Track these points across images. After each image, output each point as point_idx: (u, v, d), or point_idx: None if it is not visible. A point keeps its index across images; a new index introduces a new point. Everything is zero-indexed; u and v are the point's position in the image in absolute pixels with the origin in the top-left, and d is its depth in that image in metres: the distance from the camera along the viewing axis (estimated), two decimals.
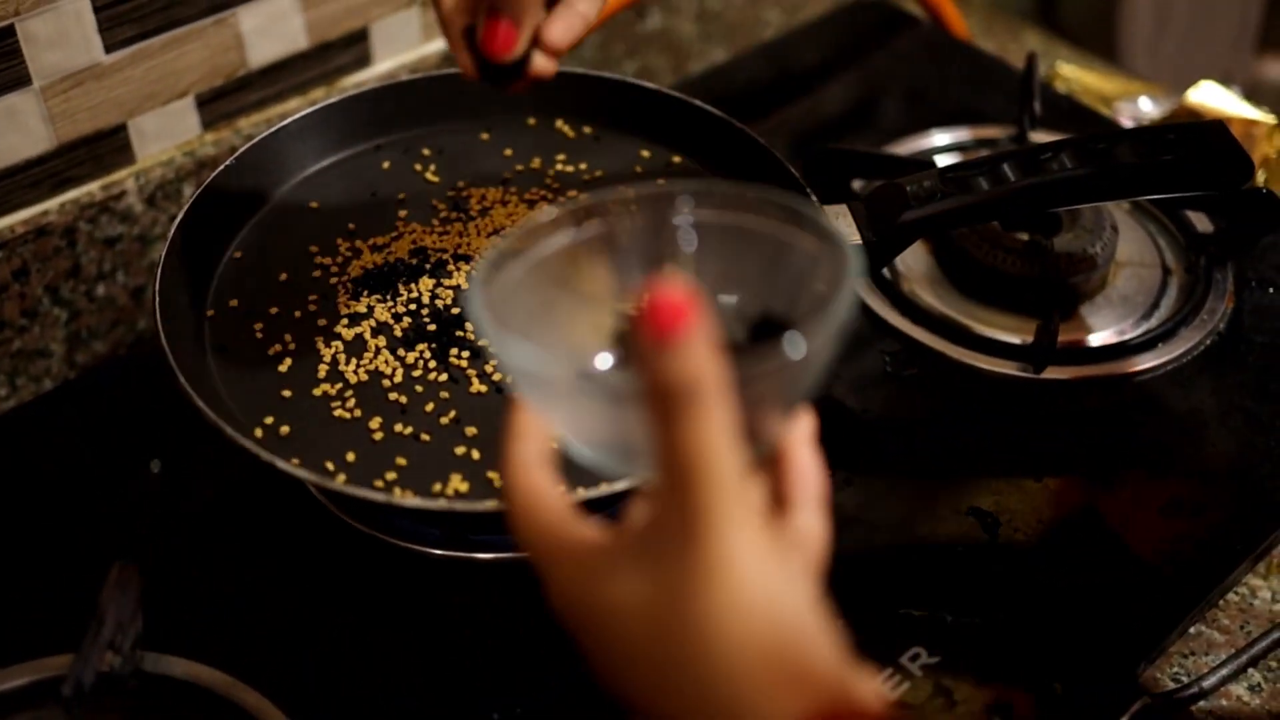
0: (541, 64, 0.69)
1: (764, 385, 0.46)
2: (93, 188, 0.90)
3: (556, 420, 0.49)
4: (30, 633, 0.72)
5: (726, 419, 0.42)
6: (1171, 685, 0.74)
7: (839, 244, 0.49)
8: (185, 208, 0.80)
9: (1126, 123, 1.10)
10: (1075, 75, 1.15)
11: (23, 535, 0.79)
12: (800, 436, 0.51)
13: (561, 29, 0.68)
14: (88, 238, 0.91)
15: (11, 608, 0.75)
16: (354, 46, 0.99)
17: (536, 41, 0.68)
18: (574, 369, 0.50)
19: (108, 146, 0.90)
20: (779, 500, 0.49)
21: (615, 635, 0.45)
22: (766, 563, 0.44)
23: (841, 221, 0.80)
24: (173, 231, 0.79)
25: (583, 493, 0.67)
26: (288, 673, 0.70)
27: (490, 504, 0.67)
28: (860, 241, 0.79)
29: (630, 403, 0.44)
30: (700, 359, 0.42)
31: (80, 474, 0.83)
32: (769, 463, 0.50)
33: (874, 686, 0.44)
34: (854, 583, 0.74)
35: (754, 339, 0.52)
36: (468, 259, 0.81)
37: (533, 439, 0.50)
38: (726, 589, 0.43)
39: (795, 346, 0.45)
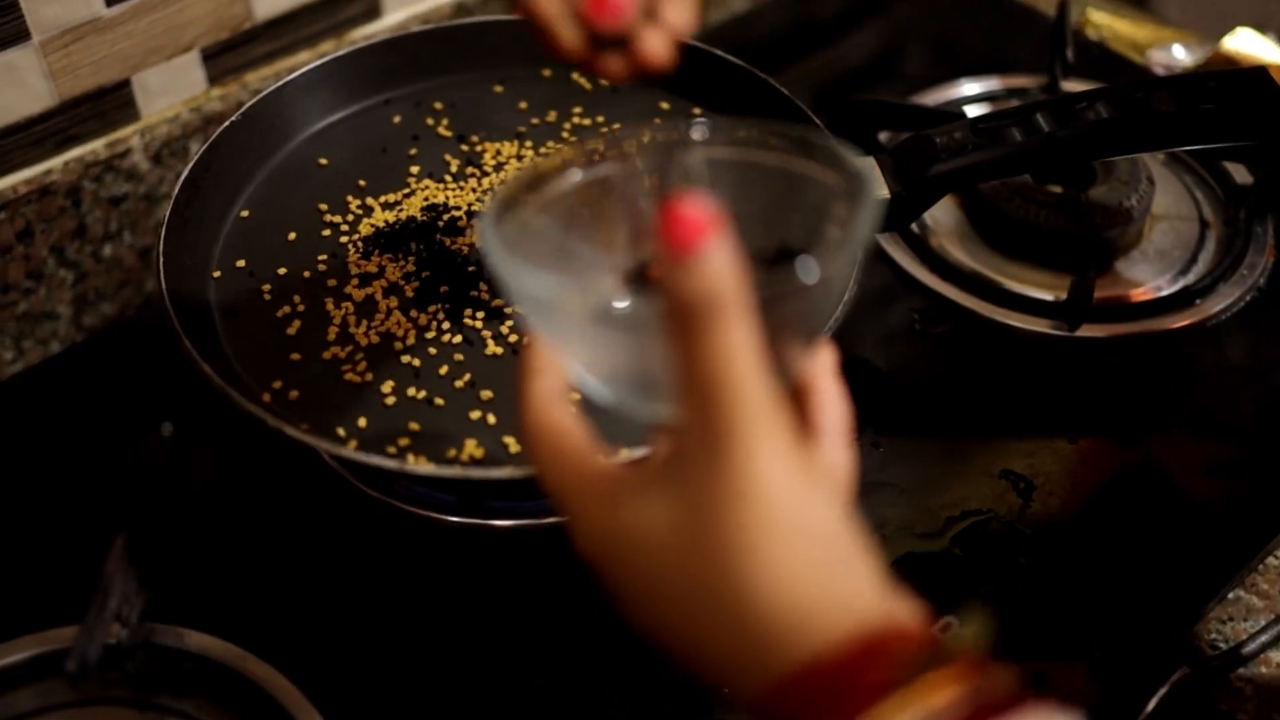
0: (655, 46, 0.57)
1: (783, 310, 0.44)
2: (97, 145, 0.88)
3: (574, 355, 0.47)
4: (35, 604, 0.70)
5: (750, 332, 0.40)
6: (1210, 652, 0.71)
7: (855, 170, 0.47)
8: (189, 165, 0.77)
9: (1160, 71, 1.06)
10: (1106, 22, 1.11)
11: (28, 502, 0.77)
12: (822, 367, 0.49)
13: (682, 7, 0.57)
14: (93, 197, 0.88)
15: (16, 577, 0.73)
16: None
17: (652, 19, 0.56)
18: (591, 297, 0.48)
19: (111, 103, 0.88)
20: (803, 432, 0.47)
21: (642, 564, 0.43)
22: (798, 481, 0.42)
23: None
24: (177, 190, 0.76)
25: (627, 453, 0.65)
26: (299, 644, 0.68)
27: (507, 470, 0.65)
28: (888, 195, 0.76)
29: (650, 329, 0.42)
30: (721, 271, 0.40)
31: (89, 438, 0.81)
32: (791, 395, 0.48)
33: (914, 609, 0.42)
34: (880, 549, 0.72)
35: (772, 269, 0.49)
36: (479, 215, 0.79)
37: (550, 375, 0.48)
38: (758, 507, 0.41)
39: (810, 271, 0.43)
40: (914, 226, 0.88)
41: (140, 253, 0.93)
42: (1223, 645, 0.72)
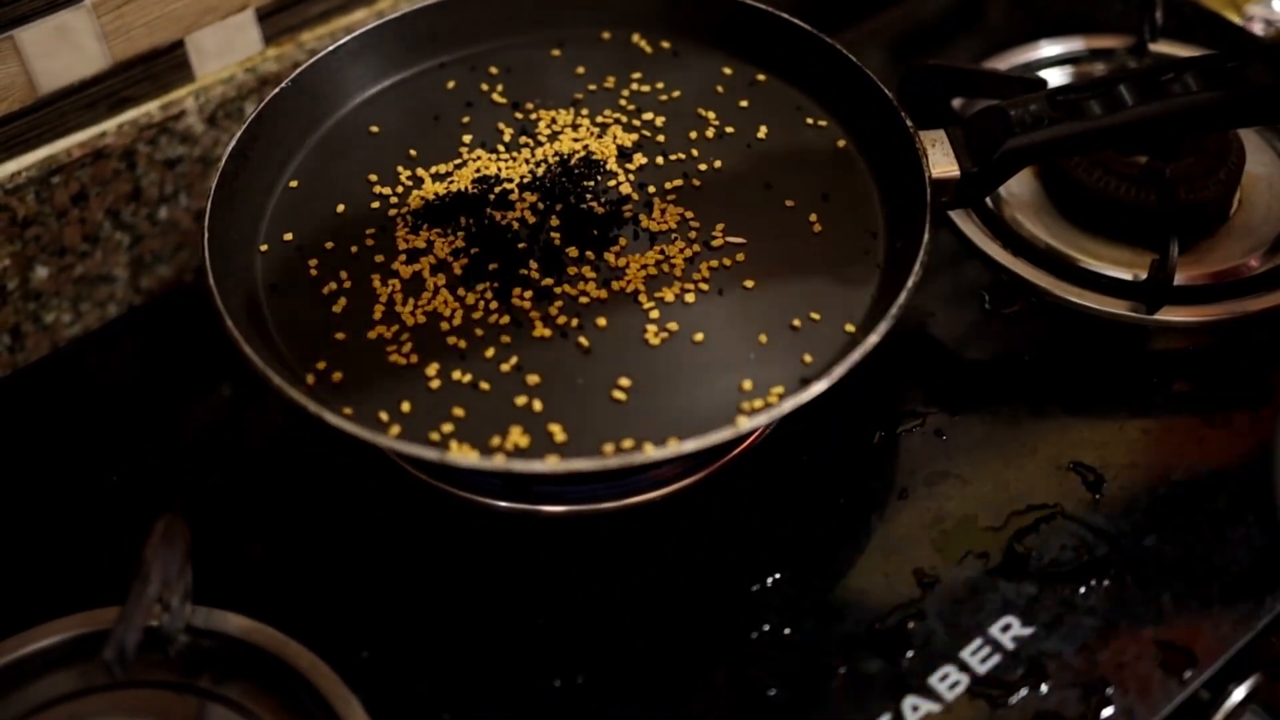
0: None
1: None
2: (151, 108, 0.87)
3: None
4: (81, 581, 0.70)
5: None
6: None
7: None
8: (237, 136, 0.76)
9: (1258, 28, 1.00)
10: None
11: (78, 475, 0.77)
12: None
13: None
14: (147, 159, 0.87)
15: (62, 552, 0.73)
16: None
17: None
18: None
19: (165, 64, 0.86)
20: None
21: None
22: None
23: (938, 149, 0.73)
24: (224, 162, 0.75)
25: (651, 450, 0.63)
26: (341, 630, 0.67)
27: (551, 462, 0.63)
28: (959, 172, 0.73)
29: None
30: None
31: (146, 404, 0.81)
32: None
33: None
34: (944, 543, 0.70)
35: None
36: (534, 189, 0.76)
37: None
38: None
39: None
40: (987, 199, 0.84)
41: (196, 215, 0.92)
42: None
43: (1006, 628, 0.67)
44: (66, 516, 0.75)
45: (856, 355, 0.65)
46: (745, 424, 0.63)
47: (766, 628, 0.67)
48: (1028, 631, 0.67)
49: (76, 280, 0.88)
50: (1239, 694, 0.68)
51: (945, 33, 1.02)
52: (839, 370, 0.64)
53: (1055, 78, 0.93)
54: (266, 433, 0.79)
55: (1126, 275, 0.81)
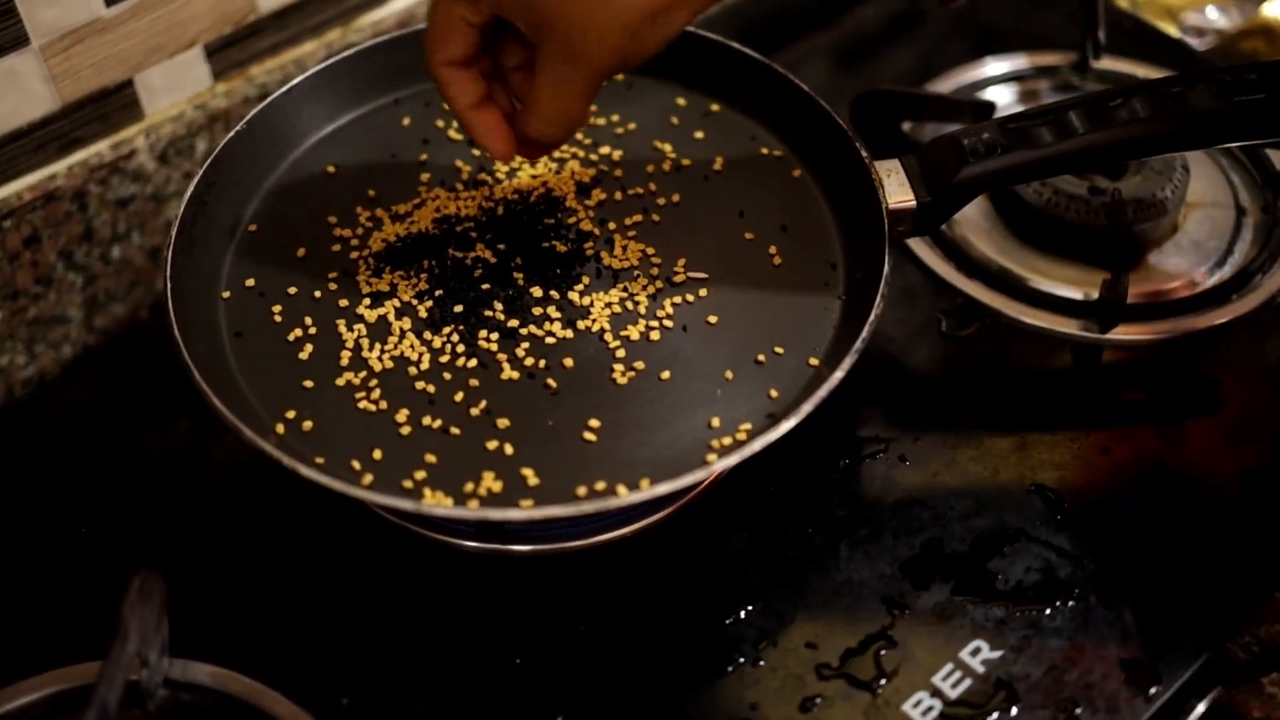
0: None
1: None
2: (101, 148, 0.86)
3: None
4: (57, 635, 0.70)
5: None
6: (1243, 656, 0.70)
7: None
8: (194, 181, 0.75)
9: (1193, 40, 1.02)
10: None
11: (47, 518, 0.76)
12: None
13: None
14: (99, 200, 0.86)
15: (37, 606, 0.72)
16: None
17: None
18: None
19: (115, 104, 0.86)
20: None
21: None
22: None
23: (893, 179, 0.74)
24: (182, 208, 0.74)
25: (624, 492, 0.64)
26: (319, 677, 0.68)
27: (526, 508, 0.64)
28: (915, 202, 0.74)
29: None
30: None
31: (108, 443, 0.81)
32: None
33: None
34: (910, 571, 0.71)
35: None
36: (495, 228, 0.77)
37: None
38: None
39: None
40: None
41: (149, 253, 0.91)
42: (1256, 649, 0.71)
43: (976, 651, 0.68)
44: (38, 571, 0.74)
45: (823, 391, 0.65)
46: (717, 464, 0.64)
47: (742, 660, 0.68)
48: (997, 655, 0.68)
49: (30, 322, 0.88)
50: (1201, 708, 0.70)
51: (885, 48, 1.03)
52: (807, 407, 0.65)
53: (1000, 95, 0.95)
54: (230, 473, 0.79)
55: (1077, 294, 0.82)
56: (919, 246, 0.85)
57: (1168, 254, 0.85)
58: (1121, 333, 0.80)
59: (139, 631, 0.63)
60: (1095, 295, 0.82)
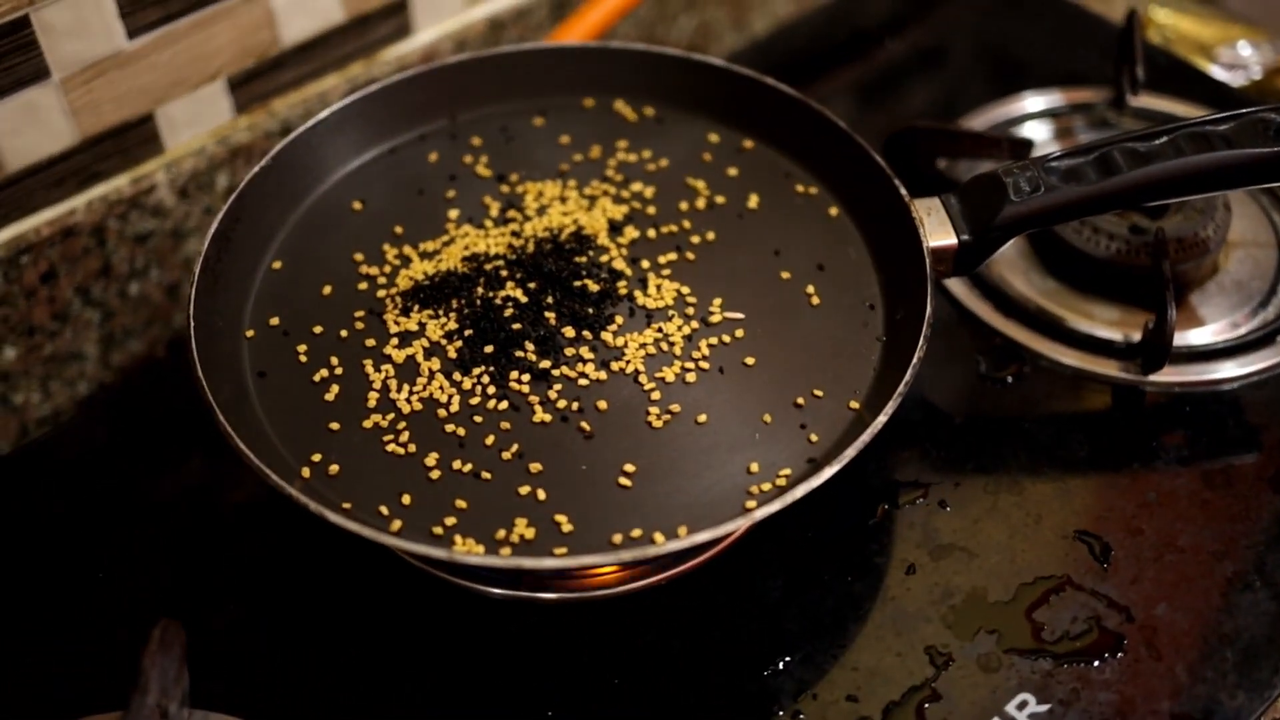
0: None
1: None
2: (121, 182, 0.84)
3: None
4: (75, 683, 0.68)
5: None
6: None
7: None
8: (218, 218, 0.74)
9: (1223, 74, 1.01)
10: (1171, 21, 1.06)
11: (62, 561, 0.75)
12: None
13: None
14: (118, 235, 0.85)
15: (55, 651, 0.70)
16: (393, 17, 0.92)
17: None
18: None
19: (135, 138, 0.84)
20: None
21: None
22: None
23: (934, 218, 0.73)
24: (206, 246, 0.73)
25: (662, 540, 0.62)
26: None
27: (560, 556, 0.62)
28: (956, 241, 0.72)
29: None
30: None
31: (122, 484, 0.79)
32: None
33: None
34: (955, 619, 0.69)
35: None
36: (525, 266, 0.75)
37: None
38: None
39: None
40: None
41: (168, 289, 0.90)
42: None
43: (1023, 705, 0.66)
44: (56, 616, 0.72)
45: (866, 437, 0.64)
46: (757, 512, 0.62)
47: (781, 713, 0.66)
48: (1044, 709, 0.66)
49: (46, 360, 0.86)
50: None
51: (914, 84, 1.02)
52: (850, 452, 0.63)
53: (1035, 131, 0.93)
54: (249, 516, 0.77)
55: (1118, 335, 0.81)
56: (956, 286, 0.84)
57: (1209, 295, 0.83)
58: (1164, 375, 0.78)
59: (159, 683, 0.61)
60: (1135, 336, 0.80)
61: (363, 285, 0.75)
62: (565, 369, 0.70)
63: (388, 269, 0.76)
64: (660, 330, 0.72)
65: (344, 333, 0.73)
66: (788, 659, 0.68)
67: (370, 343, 0.72)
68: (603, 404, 0.69)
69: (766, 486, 0.66)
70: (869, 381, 0.70)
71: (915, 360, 0.66)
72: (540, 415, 0.69)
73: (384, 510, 0.65)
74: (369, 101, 0.81)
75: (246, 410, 0.69)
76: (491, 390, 0.70)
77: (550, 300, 0.73)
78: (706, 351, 0.71)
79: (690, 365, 0.71)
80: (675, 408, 0.69)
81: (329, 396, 0.70)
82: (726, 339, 0.72)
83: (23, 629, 0.71)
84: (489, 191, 0.80)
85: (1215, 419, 0.78)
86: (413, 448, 0.68)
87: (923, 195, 0.75)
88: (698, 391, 0.70)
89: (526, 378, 0.70)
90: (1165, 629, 0.69)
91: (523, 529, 0.64)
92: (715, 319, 0.73)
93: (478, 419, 0.69)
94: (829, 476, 0.63)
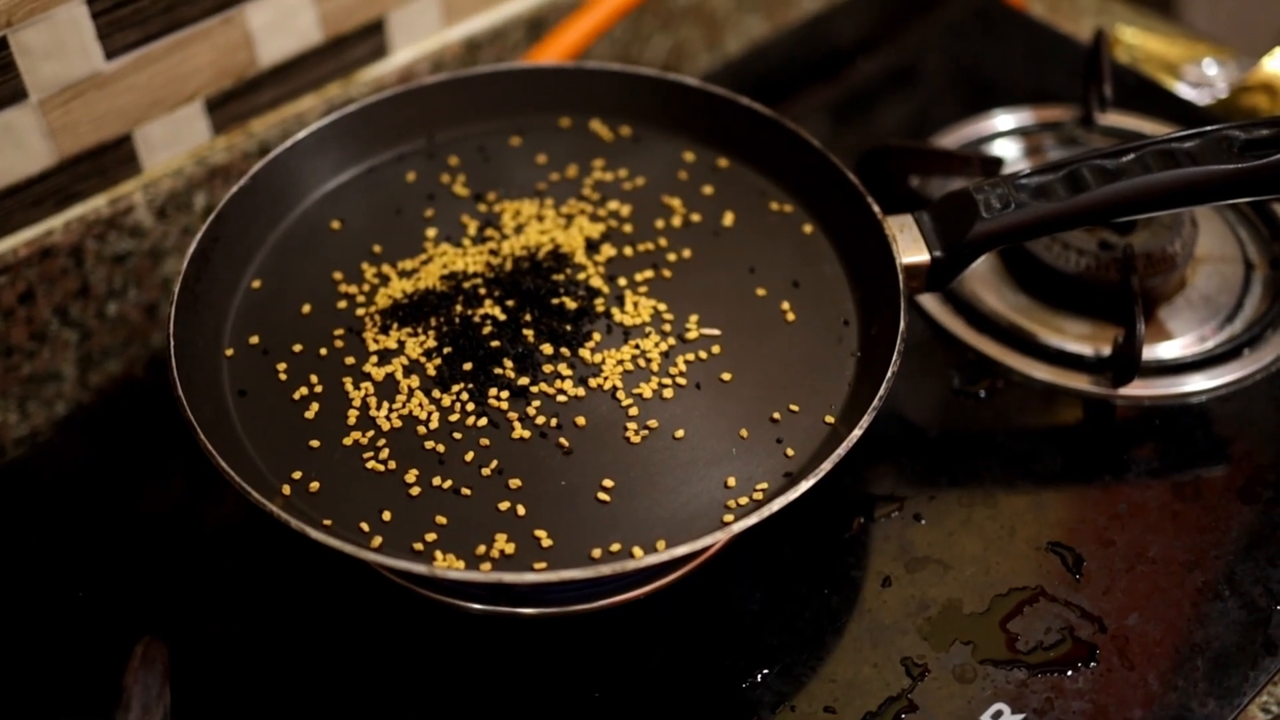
0: None
1: None
2: (99, 203, 0.85)
3: None
4: (56, 703, 0.68)
5: None
6: (1264, 717, 0.69)
7: None
8: (197, 238, 0.74)
9: (1189, 92, 1.02)
10: (1138, 41, 1.08)
11: (41, 581, 0.75)
12: None
13: None
14: (95, 256, 0.85)
15: (36, 671, 0.70)
16: (370, 38, 0.93)
17: None
18: None
19: (113, 159, 0.85)
20: None
21: None
22: None
23: (906, 235, 0.74)
24: (185, 265, 0.73)
25: (640, 554, 0.62)
26: None
27: (540, 570, 0.62)
28: (929, 258, 0.73)
29: None
30: None
31: (100, 504, 0.79)
32: None
33: None
34: (931, 631, 0.70)
35: None
36: (503, 284, 0.75)
37: None
38: None
39: None
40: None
41: (146, 309, 0.90)
42: (1274, 709, 0.69)
43: (998, 714, 0.67)
44: (35, 635, 0.72)
45: (842, 450, 0.64)
46: (735, 525, 0.63)
47: None
48: (1019, 718, 0.67)
49: (24, 380, 0.86)
50: None
51: (886, 103, 1.03)
52: (826, 466, 0.64)
53: (1005, 149, 0.95)
54: (229, 534, 0.77)
55: (1089, 350, 0.82)
56: (929, 302, 0.85)
57: (1176, 309, 0.84)
58: (1133, 389, 0.79)
59: (141, 700, 0.61)
60: (1106, 350, 0.81)
61: (342, 304, 0.76)
62: (544, 386, 0.71)
63: (366, 287, 0.77)
64: (638, 347, 0.73)
65: (323, 351, 0.73)
66: (766, 671, 0.69)
67: (350, 361, 0.73)
68: (581, 420, 0.70)
69: (744, 500, 0.66)
70: (844, 396, 0.71)
71: (890, 375, 0.67)
72: (519, 432, 0.69)
73: (365, 527, 0.66)
74: (347, 122, 0.82)
75: (227, 429, 0.69)
76: (471, 407, 0.70)
77: (528, 318, 0.74)
78: (683, 368, 0.72)
79: (668, 381, 0.72)
80: (653, 423, 0.70)
81: (309, 414, 0.70)
82: (703, 355, 0.73)
83: (3, 649, 0.71)
84: (467, 210, 0.81)
85: (1184, 431, 0.79)
86: (393, 465, 0.68)
87: (896, 212, 0.76)
88: (675, 407, 0.71)
89: (505, 395, 0.71)
90: (1137, 639, 0.70)
91: (503, 544, 0.65)
92: (692, 335, 0.74)
93: (457, 436, 0.69)
94: (805, 490, 0.63)
